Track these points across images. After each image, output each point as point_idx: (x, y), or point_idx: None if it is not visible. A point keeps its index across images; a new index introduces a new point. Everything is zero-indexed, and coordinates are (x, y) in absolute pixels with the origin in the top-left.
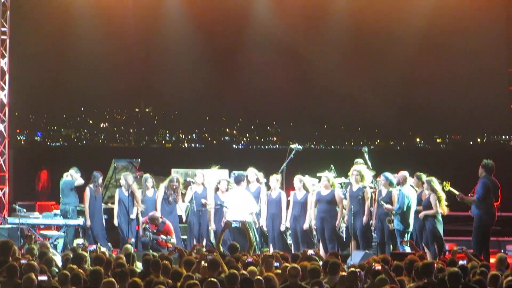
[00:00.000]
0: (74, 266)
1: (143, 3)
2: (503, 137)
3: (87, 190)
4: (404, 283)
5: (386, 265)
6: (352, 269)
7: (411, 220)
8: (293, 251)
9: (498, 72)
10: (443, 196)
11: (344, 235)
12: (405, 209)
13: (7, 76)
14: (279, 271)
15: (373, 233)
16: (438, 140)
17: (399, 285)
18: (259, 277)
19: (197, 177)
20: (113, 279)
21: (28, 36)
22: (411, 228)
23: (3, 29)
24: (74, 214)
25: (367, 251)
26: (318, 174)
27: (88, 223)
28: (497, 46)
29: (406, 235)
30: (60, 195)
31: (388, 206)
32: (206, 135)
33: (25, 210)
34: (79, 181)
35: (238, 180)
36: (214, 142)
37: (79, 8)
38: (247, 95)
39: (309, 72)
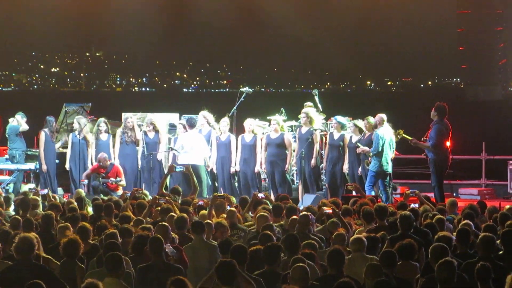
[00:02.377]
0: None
1: None
2: (453, 79)
3: (42, 134)
4: (350, 225)
5: (337, 209)
6: (304, 212)
7: (389, 163)
8: (241, 195)
9: (447, 16)
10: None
11: (295, 179)
12: (380, 150)
13: None
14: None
15: (323, 175)
16: (389, 83)
17: (349, 228)
18: (210, 221)
19: (147, 119)
20: (68, 224)
21: None
22: (390, 170)
23: None
24: (21, 159)
25: (318, 194)
26: (268, 118)
27: (44, 167)
28: None
29: (386, 178)
30: (10, 141)
31: (365, 148)
32: (156, 78)
33: None
34: (24, 126)
35: (190, 124)
36: (165, 86)
37: None
38: (197, 39)
39: (260, 15)
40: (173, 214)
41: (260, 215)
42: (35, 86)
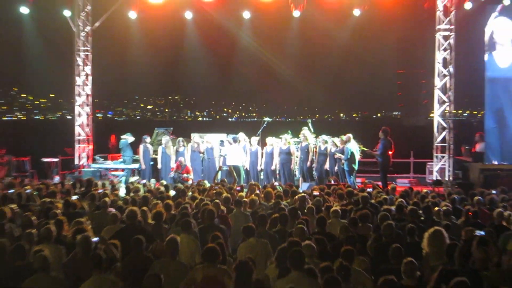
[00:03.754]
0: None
1: (172, 30)
2: (394, 113)
3: (141, 146)
4: (330, 201)
5: (322, 192)
6: (302, 194)
7: (356, 164)
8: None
9: (390, 73)
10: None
11: (297, 174)
12: (349, 156)
13: (90, 77)
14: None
15: (314, 171)
16: (354, 115)
17: (329, 203)
18: (246, 199)
19: (206, 138)
20: (159, 201)
21: (102, 51)
22: (356, 168)
23: (87, 47)
24: (129, 162)
25: (311, 183)
26: (280, 136)
27: (143, 167)
28: (389, 56)
29: (353, 173)
30: (122, 151)
31: (340, 155)
32: (212, 112)
33: (102, 159)
34: (131, 139)
35: (233, 140)
36: (217, 117)
37: (132, 33)
38: (236, 88)
39: (274, 74)
40: (222, 195)
41: (275, 196)
42: (138, 117)
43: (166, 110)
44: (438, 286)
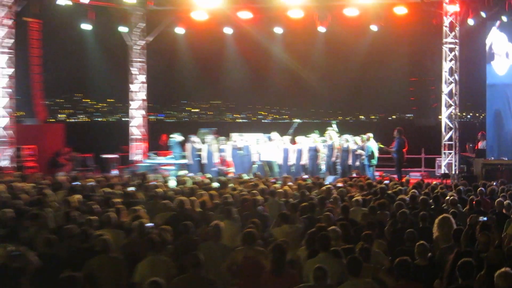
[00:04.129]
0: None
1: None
2: (408, 115)
3: (188, 145)
4: (353, 192)
5: (345, 183)
6: (328, 186)
7: (375, 159)
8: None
9: (405, 79)
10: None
11: (323, 168)
12: (369, 153)
13: (144, 85)
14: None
15: (338, 166)
16: (372, 117)
17: (351, 193)
18: (280, 190)
19: (244, 137)
20: (204, 192)
21: (154, 61)
22: (375, 163)
23: (141, 58)
24: (179, 158)
25: (335, 176)
26: (308, 135)
27: (190, 162)
28: (402, 66)
29: (372, 167)
30: (171, 148)
31: (361, 151)
32: (249, 114)
33: (154, 156)
34: (179, 138)
35: (268, 138)
36: (253, 118)
37: (180, 46)
38: (270, 93)
39: (301, 79)
40: (259, 186)
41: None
42: (185, 119)
43: (209, 113)
44: (454, 266)
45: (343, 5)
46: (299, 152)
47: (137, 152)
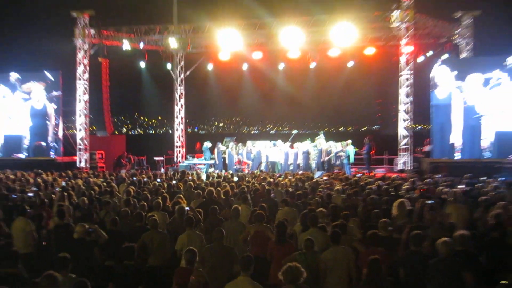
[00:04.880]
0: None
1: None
2: (373, 127)
3: (216, 149)
4: (335, 183)
5: (329, 177)
6: (317, 179)
7: (351, 159)
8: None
9: (372, 102)
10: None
11: (313, 166)
12: (348, 155)
13: (184, 106)
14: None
15: (324, 165)
16: (349, 128)
17: (334, 185)
18: (282, 182)
19: (256, 144)
20: (226, 184)
21: (191, 89)
22: (351, 161)
23: (182, 87)
24: (209, 159)
25: (322, 172)
26: (303, 142)
27: (217, 162)
28: (371, 91)
29: (349, 165)
30: (203, 152)
31: (342, 153)
32: (260, 127)
33: (191, 158)
34: (209, 144)
35: (273, 145)
36: (263, 130)
37: (210, 78)
38: (274, 111)
39: (298, 100)
40: (267, 179)
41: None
42: (213, 131)
43: (231, 126)
44: (408, 236)
45: (328, 48)
46: (296, 155)
47: (178, 155)
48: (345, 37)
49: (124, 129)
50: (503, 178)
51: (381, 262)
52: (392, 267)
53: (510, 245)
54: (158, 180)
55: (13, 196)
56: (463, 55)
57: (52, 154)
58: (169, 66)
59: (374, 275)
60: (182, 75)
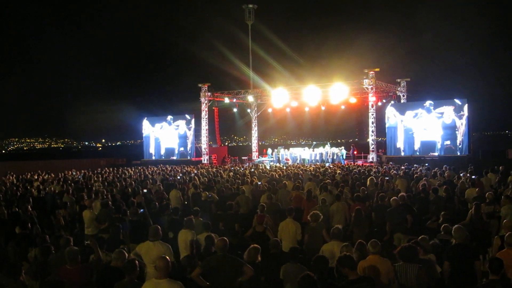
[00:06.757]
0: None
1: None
2: (356, 139)
3: (274, 152)
4: (336, 169)
5: (333, 166)
6: (327, 167)
7: (344, 157)
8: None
9: (355, 126)
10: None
11: (325, 160)
12: (342, 154)
13: (256, 131)
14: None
15: (329, 160)
16: (339, 141)
17: (335, 170)
18: (309, 169)
19: (295, 149)
20: (279, 170)
21: (262, 123)
22: (344, 157)
23: (255, 122)
24: (270, 157)
25: (329, 163)
26: (319, 147)
27: (274, 159)
28: (352, 125)
29: (343, 160)
30: (267, 154)
31: (339, 153)
32: (297, 141)
33: (261, 157)
34: (269, 150)
35: (303, 150)
36: (298, 142)
37: (270, 116)
38: (306, 132)
39: (314, 126)
40: (300, 168)
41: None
42: (272, 143)
43: (281, 140)
44: (375, 197)
45: (330, 99)
46: (315, 155)
47: (254, 156)
48: (339, 92)
49: (226, 143)
50: (427, 165)
51: (362, 210)
52: (368, 213)
53: (430, 201)
54: (242, 169)
55: (170, 178)
56: (402, 101)
57: (188, 157)
58: (249, 110)
59: (358, 217)
60: (256, 114)
